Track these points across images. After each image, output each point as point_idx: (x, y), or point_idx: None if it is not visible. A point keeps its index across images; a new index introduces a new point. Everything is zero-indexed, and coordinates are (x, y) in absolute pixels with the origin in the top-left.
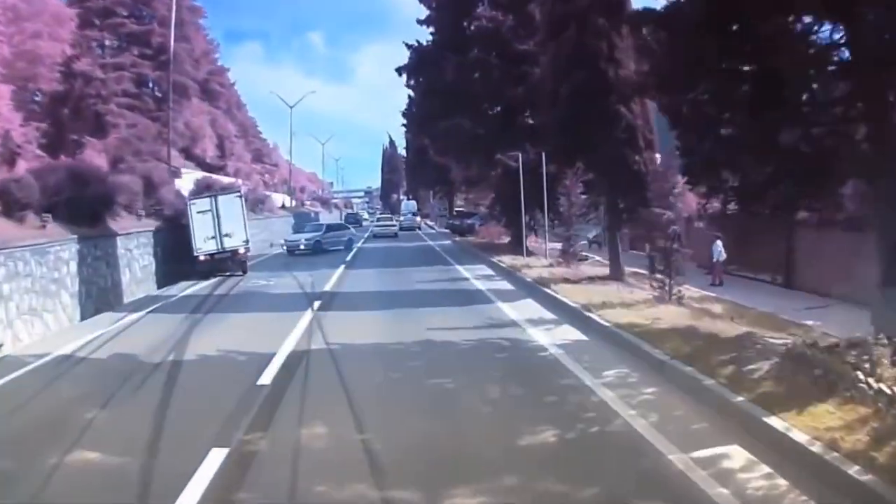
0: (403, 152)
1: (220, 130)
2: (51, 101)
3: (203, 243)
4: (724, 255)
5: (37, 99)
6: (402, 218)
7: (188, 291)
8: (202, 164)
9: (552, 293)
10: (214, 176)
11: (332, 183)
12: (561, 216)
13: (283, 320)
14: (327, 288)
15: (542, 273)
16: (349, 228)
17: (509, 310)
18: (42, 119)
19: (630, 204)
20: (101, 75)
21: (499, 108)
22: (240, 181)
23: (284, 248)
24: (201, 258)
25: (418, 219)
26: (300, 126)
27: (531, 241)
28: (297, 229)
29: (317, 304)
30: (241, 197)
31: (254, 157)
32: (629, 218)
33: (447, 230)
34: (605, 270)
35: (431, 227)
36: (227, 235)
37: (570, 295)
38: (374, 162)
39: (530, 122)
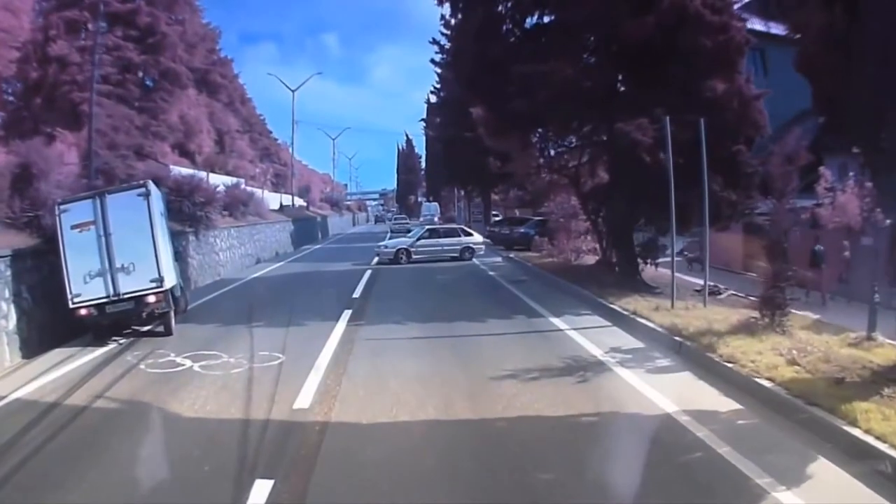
0: (420, 152)
1: (220, 125)
2: (24, 90)
3: (83, 284)
4: None
5: (12, 88)
6: (421, 220)
7: (30, 388)
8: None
9: None
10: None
11: (346, 185)
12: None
13: None
14: (303, 404)
15: (772, 361)
16: (472, 235)
17: None
18: (17, 110)
19: None
20: (79, 59)
21: (596, 55)
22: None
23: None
24: (81, 311)
25: (437, 219)
26: (313, 126)
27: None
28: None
29: None
30: (146, 197)
31: (261, 155)
32: None
33: (488, 240)
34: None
35: None
36: (123, 269)
37: None
38: (389, 165)
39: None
